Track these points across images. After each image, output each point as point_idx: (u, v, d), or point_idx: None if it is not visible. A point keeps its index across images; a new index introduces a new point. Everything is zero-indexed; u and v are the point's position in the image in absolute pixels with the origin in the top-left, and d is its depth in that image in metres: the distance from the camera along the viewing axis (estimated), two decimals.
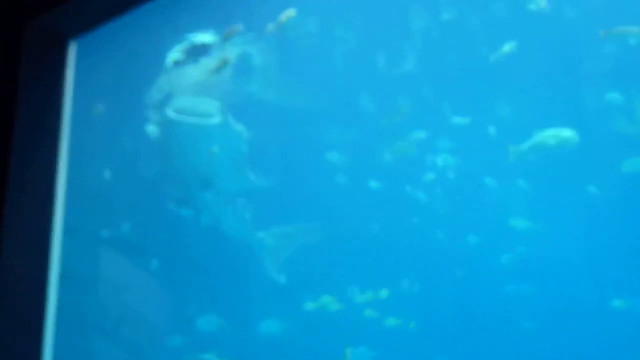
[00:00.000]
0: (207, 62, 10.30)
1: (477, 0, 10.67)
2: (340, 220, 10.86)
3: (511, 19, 10.24)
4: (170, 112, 9.31)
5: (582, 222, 9.96)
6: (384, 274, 10.61)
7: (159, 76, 10.19)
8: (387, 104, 11.02)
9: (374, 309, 10.38)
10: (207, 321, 10.30)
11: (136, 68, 10.13)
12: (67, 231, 3.07)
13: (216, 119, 9.53)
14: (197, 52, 10.14)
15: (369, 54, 11.16)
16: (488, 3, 10.62)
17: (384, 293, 10.42)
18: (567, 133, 8.96)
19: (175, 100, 9.47)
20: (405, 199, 10.82)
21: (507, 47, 10.19)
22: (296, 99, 11.01)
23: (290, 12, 9.43)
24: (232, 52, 10.51)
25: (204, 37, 10.10)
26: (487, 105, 10.71)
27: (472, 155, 10.57)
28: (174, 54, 10.06)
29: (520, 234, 10.18)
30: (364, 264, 10.69)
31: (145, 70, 10.22)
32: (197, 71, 10.18)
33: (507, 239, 10.29)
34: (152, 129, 10.00)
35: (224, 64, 9.23)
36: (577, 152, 9.30)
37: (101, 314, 9.38)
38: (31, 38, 3.07)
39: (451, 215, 10.67)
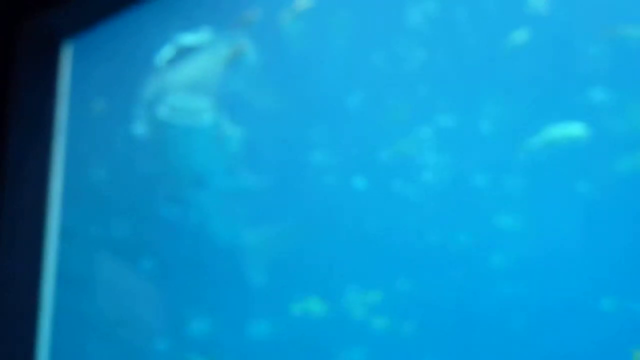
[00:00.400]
0: (201, 60, 10.31)
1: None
2: (331, 220, 10.87)
3: (506, 17, 10.26)
4: (163, 111, 9.30)
5: (574, 222, 9.99)
6: (376, 274, 10.62)
7: (154, 75, 10.19)
8: (380, 103, 11.03)
9: (366, 310, 10.38)
10: (198, 324, 10.29)
11: (132, 67, 10.12)
12: (62, 232, 3.07)
13: (209, 118, 9.52)
14: (191, 50, 10.13)
15: (362, 52, 11.17)
16: (483, 2, 10.64)
17: (376, 294, 10.43)
18: (577, 129, 8.94)
19: (169, 99, 9.47)
20: (397, 199, 10.84)
21: (501, 47, 10.21)
22: (287, 98, 11.02)
23: (305, 2, 9.37)
24: (225, 48, 10.51)
25: (198, 35, 10.10)
26: (480, 103, 10.74)
27: (464, 154, 10.60)
28: (168, 53, 10.06)
29: (512, 234, 10.21)
30: (355, 265, 10.70)
31: (140, 69, 10.22)
32: (190, 69, 10.18)
33: (499, 238, 10.32)
34: (147, 129, 10.00)
35: (238, 54, 9.21)
36: (570, 152, 9.33)
37: (93, 316, 9.38)
38: (25, 39, 3.07)
39: (443, 215, 10.69)
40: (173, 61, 10.08)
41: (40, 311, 2.76)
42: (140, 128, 10.03)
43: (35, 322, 2.75)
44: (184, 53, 10.07)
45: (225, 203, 10.56)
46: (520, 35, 9.83)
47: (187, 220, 10.48)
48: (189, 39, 10.03)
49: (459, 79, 10.78)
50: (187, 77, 10.10)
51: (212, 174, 9.97)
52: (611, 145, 9.43)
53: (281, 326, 10.51)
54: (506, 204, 10.28)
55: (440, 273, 10.60)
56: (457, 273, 10.58)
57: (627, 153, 9.58)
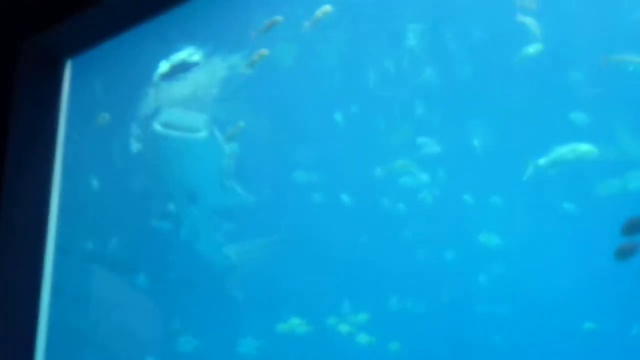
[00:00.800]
0: (196, 77, 10.36)
1: (465, 20, 10.75)
2: (319, 238, 10.87)
3: (502, 41, 10.34)
4: (157, 127, 9.33)
5: (560, 243, 10.04)
6: (362, 292, 10.62)
7: (152, 92, 10.24)
8: (371, 122, 11.08)
9: (353, 327, 10.36)
10: (185, 341, 10.25)
11: (131, 84, 10.16)
12: (59, 247, 3.10)
13: (202, 133, 9.55)
14: (185, 66, 10.19)
15: (354, 71, 11.23)
16: (475, 26, 10.72)
17: (362, 311, 10.41)
18: (585, 147, 8.92)
19: (163, 115, 9.50)
20: (385, 217, 10.87)
21: (493, 70, 10.30)
22: (278, 117, 11.05)
23: (326, 8, 9.37)
24: (219, 67, 10.57)
25: (192, 52, 10.15)
26: (469, 124, 10.80)
27: (452, 174, 10.64)
28: (163, 69, 10.11)
29: (496, 254, 10.25)
30: (343, 283, 10.70)
31: (139, 86, 10.27)
32: (186, 86, 10.24)
33: (485, 258, 10.35)
34: (144, 145, 10.02)
35: (259, 57, 9.21)
36: (557, 174, 9.39)
37: (86, 329, 9.35)
38: (27, 57, 3.12)
39: (430, 233, 10.71)
40: (169, 78, 10.14)
41: (38, 326, 2.79)
42: (137, 144, 10.06)
43: (34, 336, 2.78)
44: (180, 70, 10.13)
45: (216, 219, 10.57)
46: (513, 60, 9.91)
47: (179, 237, 10.47)
48: (184, 54, 10.09)
49: (449, 99, 10.86)
50: (182, 93, 10.15)
51: (204, 190, 9.97)
52: (598, 167, 9.50)
53: (269, 343, 10.49)
54: (494, 224, 10.31)
55: (427, 291, 10.62)
56: (443, 291, 10.61)
57: (614, 176, 9.66)
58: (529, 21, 9.77)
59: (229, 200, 10.17)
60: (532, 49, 9.64)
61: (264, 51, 9.31)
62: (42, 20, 3.11)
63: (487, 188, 10.33)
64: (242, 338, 10.64)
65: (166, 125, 9.27)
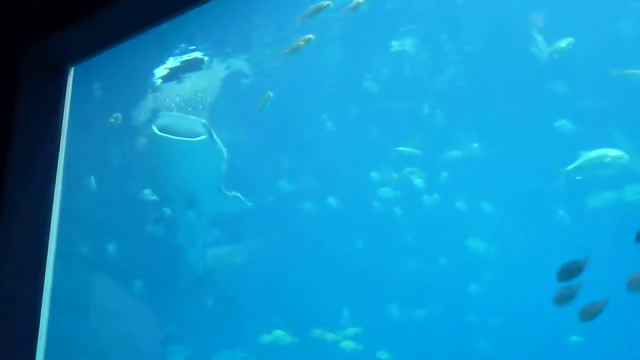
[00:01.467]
0: (196, 80, 10.38)
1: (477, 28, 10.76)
2: (310, 247, 10.86)
3: (503, 48, 10.35)
4: (156, 131, 9.32)
5: (551, 253, 10.07)
6: (353, 301, 10.60)
7: (153, 95, 10.25)
8: (362, 129, 11.09)
9: (342, 336, 10.34)
10: (175, 351, 10.22)
11: (131, 89, 10.17)
12: (58, 253, 3.12)
13: (200, 138, 9.54)
14: (187, 70, 10.21)
15: (356, 74, 11.24)
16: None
17: (352, 319, 10.39)
18: (614, 152, 8.86)
19: (161, 119, 9.49)
20: (376, 225, 10.86)
21: (492, 74, 10.34)
22: (273, 122, 11.05)
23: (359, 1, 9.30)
24: (220, 70, 10.59)
25: (194, 55, 10.18)
26: (463, 130, 10.82)
27: (446, 181, 10.65)
28: (164, 72, 10.13)
29: (489, 262, 10.25)
30: (334, 292, 10.68)
31: (140, 91, 10.27)
32: (185, 88, 10.26)
33: (478, 266, 10.35)
34: (144, 149, 10.01)
35: (306, 42, 9.10)
36: (554, 183, 9.40)
37: (80, 335, 9.34)
38: (30, 64, 3.13)
39: (422, 242, 10.70)
40: (170, 80, 10.15)
41: (38, 332, 2.80)
42: (137, 149, 10.06)
43: (33, 340, 2.79)
44: (180, 72, 10.14)
45: (212, 225, 10.55)
46: (512, 68, 9.93)
47: (175, 242, 10.44)
48: (185, 58, 10.10)
49: (445, 107, 10.88)
50: (182, 96, 10.16)
51: (201, 195, 9.96)
52: (592, 179, 9.51)
53: (257, 354, 10.45)
54: (488, 232, 10.32)
55: (419, 300, 10.62)
56: (435, 300, 10.60)
57: (608, 188, 9.68)
58: (537, 35, 9.79)
59: (226, 206, 10.16)
60: (511, 67, 9.69)
61: (310, 36, 9.11)
62: (46, 27, 3.13)
63: (482, 196, 10.34)
64: (234, 347, 10.62)
65: (164, 129, 9.26)
